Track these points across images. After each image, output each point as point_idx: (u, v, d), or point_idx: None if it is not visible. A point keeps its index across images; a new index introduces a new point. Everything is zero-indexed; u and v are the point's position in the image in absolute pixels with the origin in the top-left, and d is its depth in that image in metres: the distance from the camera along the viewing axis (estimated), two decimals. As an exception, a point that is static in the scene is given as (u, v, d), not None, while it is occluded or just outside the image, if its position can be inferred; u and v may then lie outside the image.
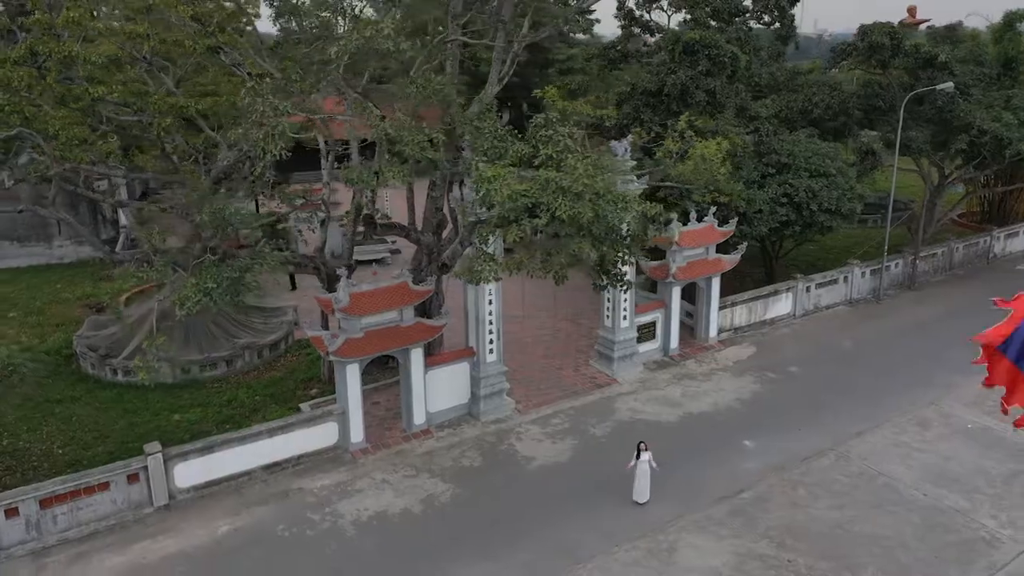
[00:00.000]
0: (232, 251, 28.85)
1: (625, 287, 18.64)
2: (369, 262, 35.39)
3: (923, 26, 52.50)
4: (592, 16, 58.87)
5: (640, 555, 17.25)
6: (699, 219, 27.08)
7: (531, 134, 17.21)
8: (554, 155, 16.17)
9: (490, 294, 22.52)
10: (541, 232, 17.81)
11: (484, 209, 17.00)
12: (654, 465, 18.97)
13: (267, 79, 18.18)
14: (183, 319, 26.62)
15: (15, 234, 39.02)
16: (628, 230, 16.28)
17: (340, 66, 16.73)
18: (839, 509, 18.73)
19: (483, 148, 18.05)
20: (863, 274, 33.14)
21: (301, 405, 23.38)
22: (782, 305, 30.81)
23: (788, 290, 30.92)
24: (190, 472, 19.30)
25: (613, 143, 24.12)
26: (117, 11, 29.11)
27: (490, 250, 17.39)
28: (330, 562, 17.10)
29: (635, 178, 24.13)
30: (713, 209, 27.28)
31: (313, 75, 17.87)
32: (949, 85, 30.45)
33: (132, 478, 18.57)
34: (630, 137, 24.04)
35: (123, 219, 38.93)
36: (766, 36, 41.87)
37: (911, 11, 60.42)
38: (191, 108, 23.05)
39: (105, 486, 18.26)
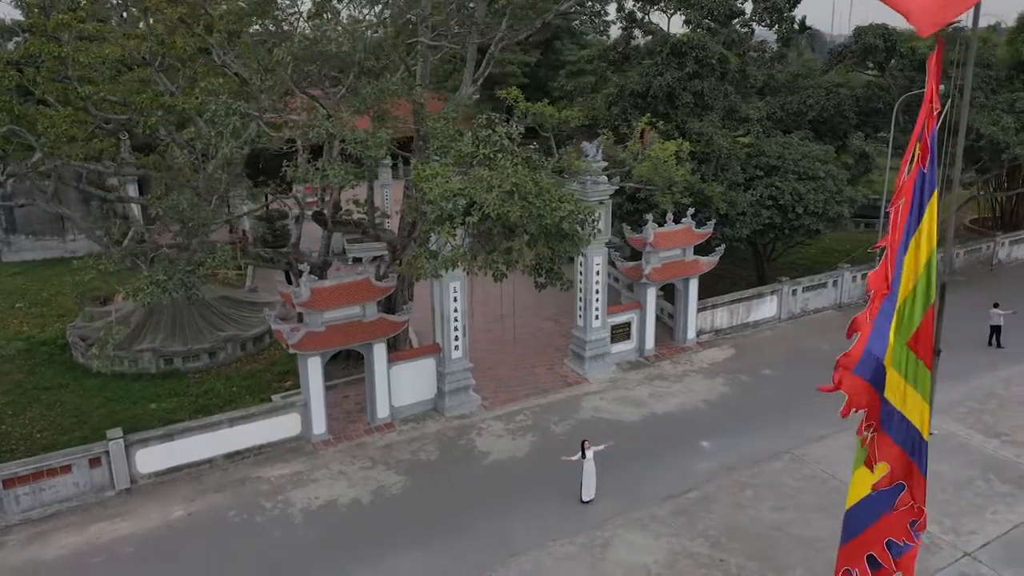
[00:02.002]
0: (226, 246, 29.69)
1: (566, 286, 18.88)
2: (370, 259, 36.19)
3: (951, 27, 51.73)
4: (608, 18, 58.92)
5: (574, 550, 17.48)
6: (676, 220, 27.12)
7: (473, 134, 17.57)
8: (490, 155, 16.51)
9: (455, 291, 22.90)
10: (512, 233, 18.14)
11: (427, 207, 17.39)
12: (600, 447, 19.13)
13: (221, 79, 18.77)
14: (171, 311, 27.77)
15: (30, 228, 40.58)
16: (565, 230, 16.52)
17: (288, 67, 17.24)
18: (781, 511, 18.73)
19: (434, 147, 18.44)
20: (854, 278, 32.78)
21: (273, 397, 23.99)
22: (766, 308, 30.65)
23: (773, 293, 30.76)
24: (152, 458, 20.02)
25: (584, 144, 24.36)
26: (125, 14, 30.17)
27: (433, 247, 17.77)
28: (271, 547, 17.64)
29: (606, 179, 24.38)
30: (691, 211, 27.35)
31: (275, 76, 18.41)
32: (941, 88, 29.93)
33: (94, 462, 19.34)
34: (600, 138, 24.19)
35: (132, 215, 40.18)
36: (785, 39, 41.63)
37: (941, 13, 59.59)
38: (179, 107, 23.81)
39: (67, 469, 19.06)
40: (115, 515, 18.85)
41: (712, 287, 31.56)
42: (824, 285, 32.18)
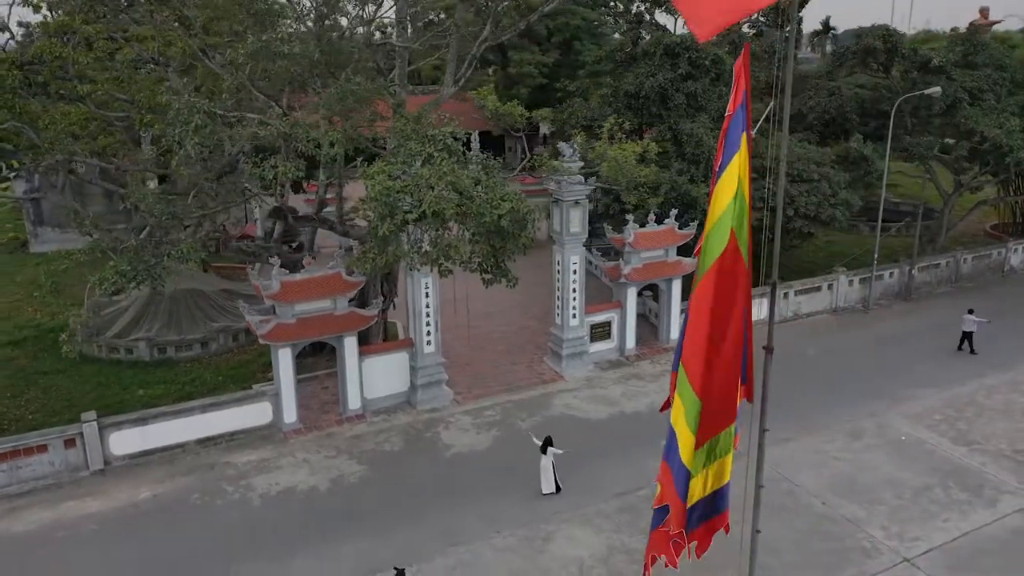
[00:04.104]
0: (231, 241, 30.67)
1: (512, 283, 19.20)
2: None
3: (995, 27, 50.83)
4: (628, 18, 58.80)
5: (515, 542, 17.82)
6: (659, 221, 27.21)
7: (424, 134, 18.02)
8: (433, 153, 16.95)
9: (427, 287, 23.40)
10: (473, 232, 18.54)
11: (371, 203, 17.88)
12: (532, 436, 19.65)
13: (186, 80, 19.54)
14: (169, 301, 28.84)
15: (56, 221, 42.29)
16: (505, 228, 16.83)
17: (246, 67, 17.91)
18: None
19: (392, 146, 18.94)
20: (851, 282, 32.41)
21: (254, 386, 24.78)
22: (754, 311, 30.41)
23: (761, 296, 30.53)
24: (125, 441, 20.94)
25: (561, 144, 24.64)
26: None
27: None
28: (225, 530, 18.32)
29: (582, 179, 24.61)
30: (675, 212, 27.41)
31: (235, 76, 19.09)
32: (937, 90, 29.52)
33: (69, 443, 20.32)
34: (575, 139, 24.46)
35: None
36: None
37: (983, 12, 58.55)
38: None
39: (43, 448, 20.07)
40: (86, 494, 19.77)
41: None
42: (818, 289, 31.87)
